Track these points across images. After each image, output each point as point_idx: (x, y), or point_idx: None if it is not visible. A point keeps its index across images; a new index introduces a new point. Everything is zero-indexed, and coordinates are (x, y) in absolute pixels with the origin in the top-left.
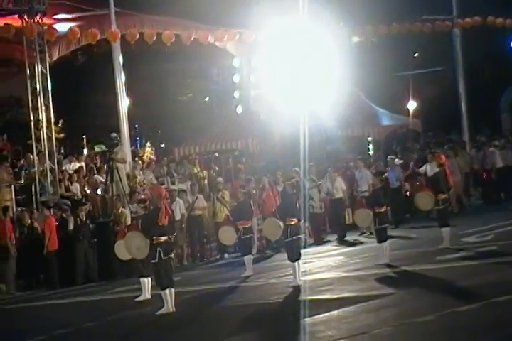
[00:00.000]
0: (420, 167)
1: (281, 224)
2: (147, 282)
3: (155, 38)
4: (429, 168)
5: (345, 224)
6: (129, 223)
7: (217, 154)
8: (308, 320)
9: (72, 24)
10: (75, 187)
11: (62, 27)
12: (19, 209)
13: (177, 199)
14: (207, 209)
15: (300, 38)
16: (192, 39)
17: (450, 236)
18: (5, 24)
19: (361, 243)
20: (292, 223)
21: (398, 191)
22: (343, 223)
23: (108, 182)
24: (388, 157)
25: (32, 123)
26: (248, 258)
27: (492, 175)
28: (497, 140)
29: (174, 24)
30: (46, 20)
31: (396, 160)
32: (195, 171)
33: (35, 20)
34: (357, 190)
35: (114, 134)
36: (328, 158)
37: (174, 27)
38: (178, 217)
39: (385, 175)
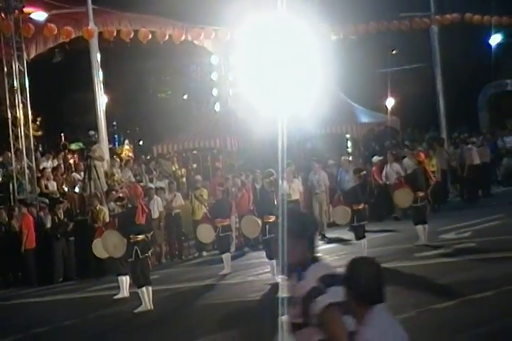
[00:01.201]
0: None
1: (259, 221)
2: (125, 280)
3: (132, 36)
4: (389, 169)
5: None
6: (107, 220)
7: (195, 152)
8: (286, 317)
9: (48, 21)
10: (53, 185)
11: (38, 24)
12: None
13: (155, 197)
14: (185, 207)
15: (278, 36)
16: (167, 37)
17: (428, 232)
18: None
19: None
20: (270, 220)
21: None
22: None
23: (86, 180)
24: (342, 157)
25: (9, 120)
26: (226, 256)
27: (468, 171)
28: (474, 137)
29: (151, 22)
30: (23, 18)
31: (375, 157)
32: (173, 169)
33: (13, 17)
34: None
35: (92, 132)
36: (306, 157)
37: (151, 25)
38: (155, 215)
39: (363, 172)
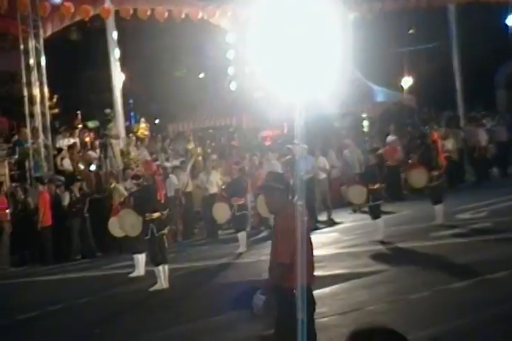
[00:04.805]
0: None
1: None
2: (141, 258)
3: (149, 14)
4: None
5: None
6: (122, 198)
7: (211, 131)
8: None
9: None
10: (68, 163)
11: (55, 3)
12: (13, 184)
13: (170, 175)
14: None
15: (295, 14)
16: (183, 15)
17: (444, 212)
18: None
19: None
20: None
21: (310, 183)
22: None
23: (102, 159)
24: (300, 144)
25: (26, 98)
26: (242, 235)
27: (482, 151)
28: (491, 116)
29: (167, 0)
30: None
31: (389, 137)
32: (190, 147)
33: None
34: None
35: (108, 110)
36: (321, 136)
37: (167, 3)
38: (171, 194)
39: (380, 151)
